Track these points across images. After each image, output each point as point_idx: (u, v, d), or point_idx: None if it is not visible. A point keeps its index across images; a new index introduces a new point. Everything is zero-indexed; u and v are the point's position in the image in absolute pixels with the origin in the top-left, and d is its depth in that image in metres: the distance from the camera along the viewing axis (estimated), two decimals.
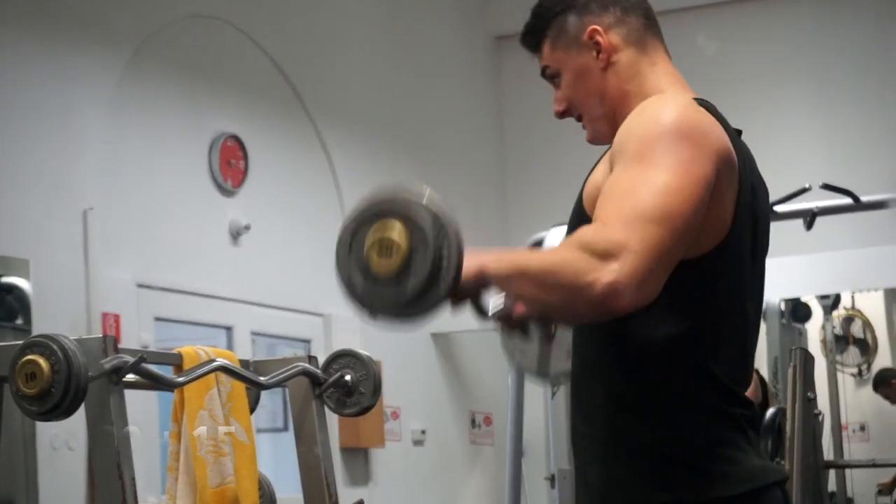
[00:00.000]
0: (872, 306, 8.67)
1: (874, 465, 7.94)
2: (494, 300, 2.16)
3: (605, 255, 1.97)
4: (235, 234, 6.26)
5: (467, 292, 2.07)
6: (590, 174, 2.28)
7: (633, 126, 2.17)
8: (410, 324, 2.05)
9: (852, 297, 8.59)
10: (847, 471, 8.05)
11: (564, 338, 2.37)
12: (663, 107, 2.18)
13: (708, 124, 2.17)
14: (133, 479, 2.31)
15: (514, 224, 8.52)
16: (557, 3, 2.38)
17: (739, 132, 2.29)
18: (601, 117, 2.36)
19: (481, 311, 2.18)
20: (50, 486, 4.98)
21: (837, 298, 8.37)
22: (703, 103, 2.23)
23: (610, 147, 2.24)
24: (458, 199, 8.10)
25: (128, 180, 5.66)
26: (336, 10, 7.23)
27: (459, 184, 8.27)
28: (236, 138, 6.29)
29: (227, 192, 6.24)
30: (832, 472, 7.54)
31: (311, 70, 6.95)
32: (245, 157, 6.34)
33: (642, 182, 2.05)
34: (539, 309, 2.11)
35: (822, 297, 7.99)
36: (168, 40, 5.96)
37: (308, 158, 6.91)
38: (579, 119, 2.40)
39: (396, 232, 1.99)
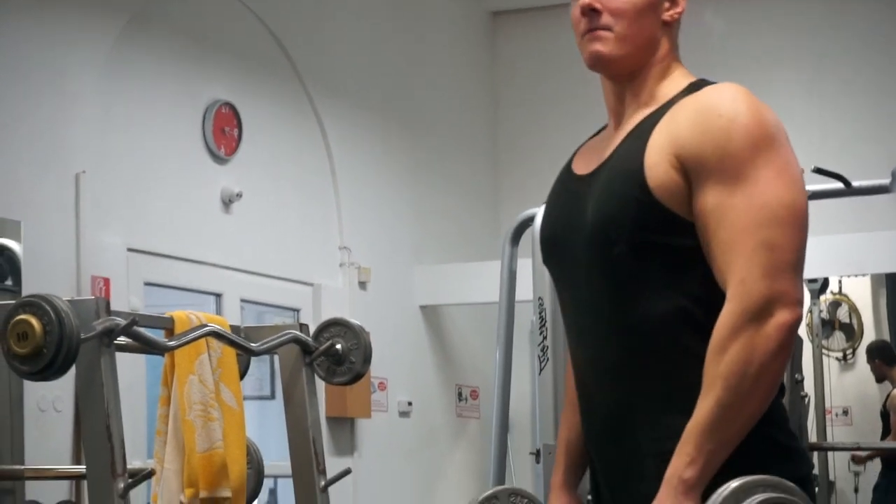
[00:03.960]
0: (859, 292, 8.70)
1: (858, 448, 7.99)
2: None
3: (763, 313, 2.04)
4: (227, 202, 6.26)
5: None
6: (625, 141, 2.24)
7: (716, 131, 2.12)
8: None
9: (840, 282, 8.61)
10: (830, 454, 8.09)
11: None
12: (741, 107, 2.14)
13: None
14: (122, 440, 2.31)
15: (504, 199, 8.52)
16: None
17: None
18: (629, 47, 2.29)
19: None
20: (36, 448, 4.99)
21: (825, 283, 8.39)
22: None
23: (652, 113, 2.23)
24: (449, 172, 8.14)
25: (121, 145, 5.65)
26: None
27: (451, 157, 8.27)
28: (231, 106, 6.28)
29: (219, 160, 6.23)
30: (815, 455, 7.58)
31: (306, 40, 6.93)
32: (239, 125, 6.33)
33: (760, 209, 2.07)
34: (762, 410, 2.09)
35: (811, 281, 7.99)
36: (165, 7, 5.95)
37: (301, 128, 6.90)
38: (593, 30, 2.29)
39: None
